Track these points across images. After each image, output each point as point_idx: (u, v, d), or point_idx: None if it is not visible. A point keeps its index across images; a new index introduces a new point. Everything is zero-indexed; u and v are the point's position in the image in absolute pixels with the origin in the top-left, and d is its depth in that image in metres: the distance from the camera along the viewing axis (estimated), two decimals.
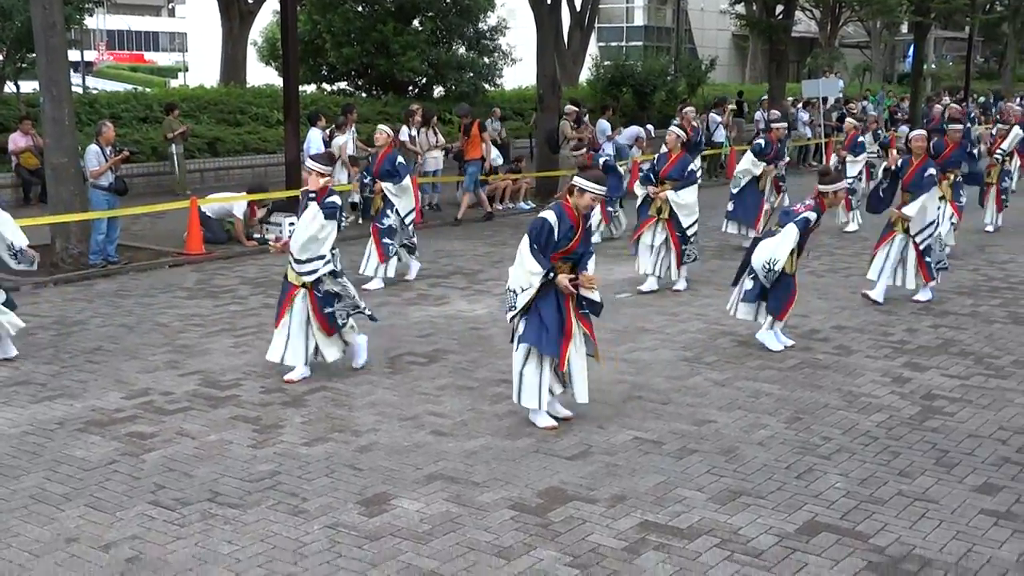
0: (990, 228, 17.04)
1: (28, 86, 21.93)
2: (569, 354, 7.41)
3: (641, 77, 30.45)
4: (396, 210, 12.60)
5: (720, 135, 24.62)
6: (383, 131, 13.01)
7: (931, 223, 11.45)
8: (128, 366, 9.16)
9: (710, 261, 14.33)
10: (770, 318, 9.68)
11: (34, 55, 15.23)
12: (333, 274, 8.65)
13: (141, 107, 22.76)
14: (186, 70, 60.91)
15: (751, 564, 5.45)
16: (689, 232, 12.16)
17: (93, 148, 13.74)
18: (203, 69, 47.81)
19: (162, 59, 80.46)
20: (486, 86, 28.96)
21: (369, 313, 9.08)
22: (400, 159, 12.83)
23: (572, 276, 7.34)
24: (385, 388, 8.51)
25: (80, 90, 27.25)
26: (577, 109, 22.19)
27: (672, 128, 12.64)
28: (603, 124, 22.49)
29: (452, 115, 27.02)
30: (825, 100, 29.76)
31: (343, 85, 28.36)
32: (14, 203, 18.67)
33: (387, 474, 6.68)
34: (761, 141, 15.72)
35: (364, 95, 27.81)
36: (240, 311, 11.25)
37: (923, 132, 12.03)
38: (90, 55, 59.07)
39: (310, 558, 5.52)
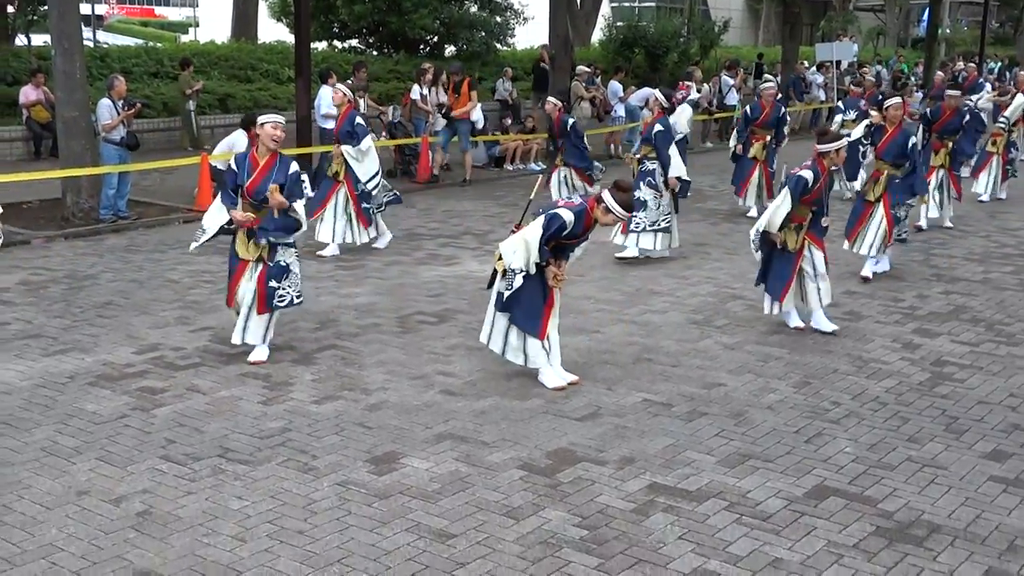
0: (984, 198, 16.41)
1: (39, 39, 21.83)
2: (549, 327, 7.58)
3: (654, 38, 30.19)
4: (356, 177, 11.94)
5: (732, 98, 24.46)
6: (339, 90, 12.40)
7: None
8: (139, 321, 9.17)
9: (720, 225, 14.30)
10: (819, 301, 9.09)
11: (46, 8, 15.16)
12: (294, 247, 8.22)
13: (152, 62, 22.65)
14: (197, 25, 60.56)
15: (759, 527, 5.47)
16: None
17: (105, 102, 13.69)
18: (214, 25, 47.51)
19: (172, 14, 80.00)
20: (498, 45, 28.74)
21: (300, 301, 8.27)
22: (359, 120, 12.06)
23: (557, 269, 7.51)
24: (395, 347, 8.52)
25: (91, 44, 27.14)
26: (589, 70, 22.06)
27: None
28: (615, 85, 22.37)
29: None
30: (839, 64, 29.53)
31: (354, 43, 28.17)
32: (25, 157, 18.68)
33: (396, 433, 6.70)
34: (748, 108, 15.45)
35: (375, 53, 27.62)
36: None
37: (900, 100, 11.65)
38: (101, 9, 58.75)
39: (319, 515, 5.54)
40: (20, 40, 22.27)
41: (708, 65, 29.56)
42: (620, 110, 22.17)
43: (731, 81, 24.56)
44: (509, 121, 21.05)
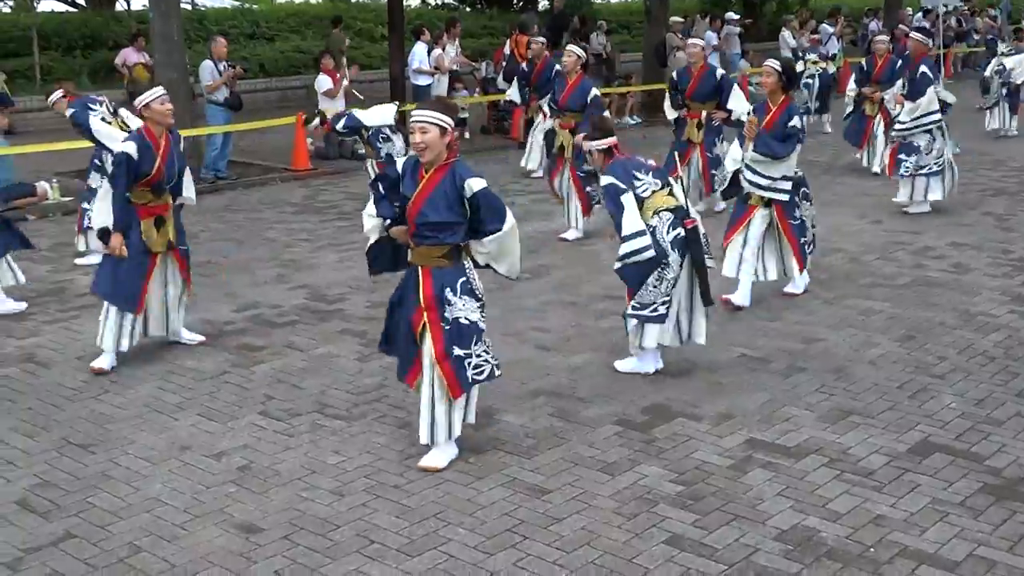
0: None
1: (138, 3, 22.20)
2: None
3: None
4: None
5: (833, 46, 23.85)
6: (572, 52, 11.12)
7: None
8: (237, 280, 9.31)
9: (819, 177, 13.98)
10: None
11: None
12: None
13: (248, 23, 22.92)
14: None
15: (861, 484, 5.35)
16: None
17: (207, 63, 13.89)
18: None
19: None
20: None
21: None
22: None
23: None
24: (489, 304, 8.46)
25: (188, 7, 27.53)
26: (683, 21, 21.68)
27: (569, 48, 11.06)
28: (710, 35, 21.96)
29: None
30: (944, 8, 28.60)
31: None
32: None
33: (491, 389, 6.68)
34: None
35: (468, 9, 27.58)
36: (345, 227, 11.31)
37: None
38: None
39: (415, 470, 5.56)
40: (120, 4, 22.66)
41: (807, 14, 28.85)
42: (714, 60, 21.77)
43: (831, 29, 23.93)
44: (604, 75, 20.82)
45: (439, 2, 28.38)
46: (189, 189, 7.62)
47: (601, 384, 6.75)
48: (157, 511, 5.18)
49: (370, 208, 5.75)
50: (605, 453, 5.75)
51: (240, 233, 11.16)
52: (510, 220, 5.52)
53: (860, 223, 11.17)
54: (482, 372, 5.60)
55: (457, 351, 5.50)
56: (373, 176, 8.16)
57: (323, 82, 15.52)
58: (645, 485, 5.38)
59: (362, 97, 16.31)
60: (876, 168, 13.67)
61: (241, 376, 7.00)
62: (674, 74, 11.75)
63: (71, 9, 23.04)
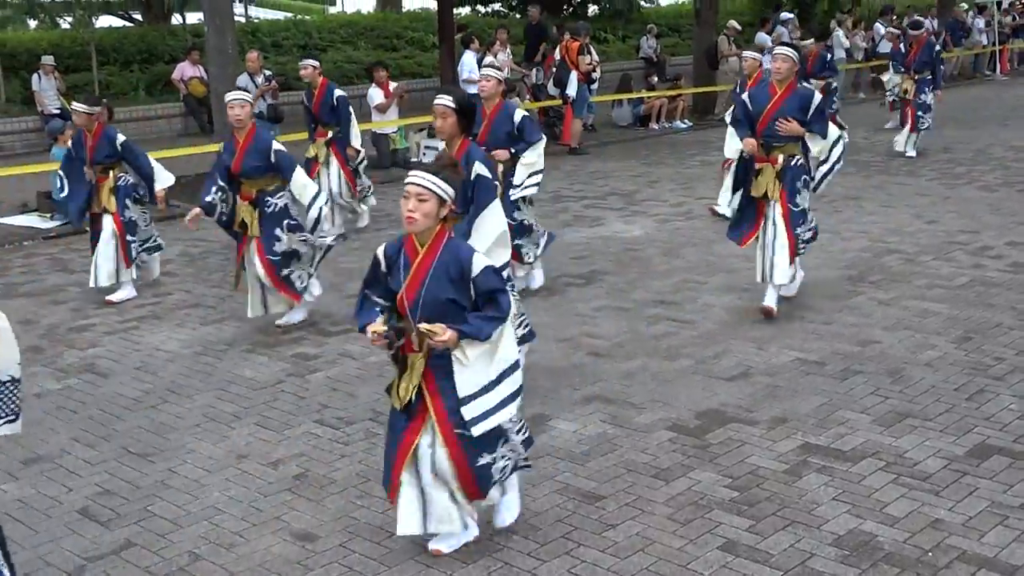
0: None
1: (194, 17, 22.51)
2: None
3: None
4: None
5: (885, 46, 23.59)
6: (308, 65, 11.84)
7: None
8: None
9: (874, 177, 13.85)
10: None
11: None
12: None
13: (301, 35, 23.13)
14: None
15: (918, 487, 5.29)
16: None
17: (241, 77, 14.08)
18: None
19: None
20: (641, 2, 28.42)
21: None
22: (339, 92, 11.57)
23: None
24: (542, 310, 8.53)
25: (243, 20, 27.88)
26: (738, 26, 21.54)
27: (486, 71, 8.47)
28: (762, 36, 21.82)
29: (606, 34, 26.72)
30: (999, 4, 28.22)
31: (497, 6, 28.23)
32: (183, 132, 19.32)
33: (544, 395, 6.71)
34: (902, 45, 15.55)
35: (518, 16, 27.63)
36: (397, 234, 11.35)
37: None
38: None
39: None
40: (176, 19, 23.00)
41: (860, 13, 28.61)
42: (767, 62, 21.63)
43: (882, 29, 23.69)
44: (655, 79, 20.77)
45: (488, 9, 28.45)
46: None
47: (654, 389, 6.73)
48: (215, 519, 5.26)
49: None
50: (658, 459, 5.74)
51: None
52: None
53: (917, 223, 11.06)
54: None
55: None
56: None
57: (375, 95, 15.55)
58: (699, 491, 5.37)
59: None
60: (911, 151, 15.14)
61: (296, 385, 7.07)
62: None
63: (128, 24, 23.40)
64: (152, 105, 19.76)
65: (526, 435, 4.97)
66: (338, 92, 11.55)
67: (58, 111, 17.84)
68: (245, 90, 13.68)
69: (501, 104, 8.32)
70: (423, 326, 4.43)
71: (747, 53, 11.94)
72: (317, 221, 8.05)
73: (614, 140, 18.65)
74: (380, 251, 4.70)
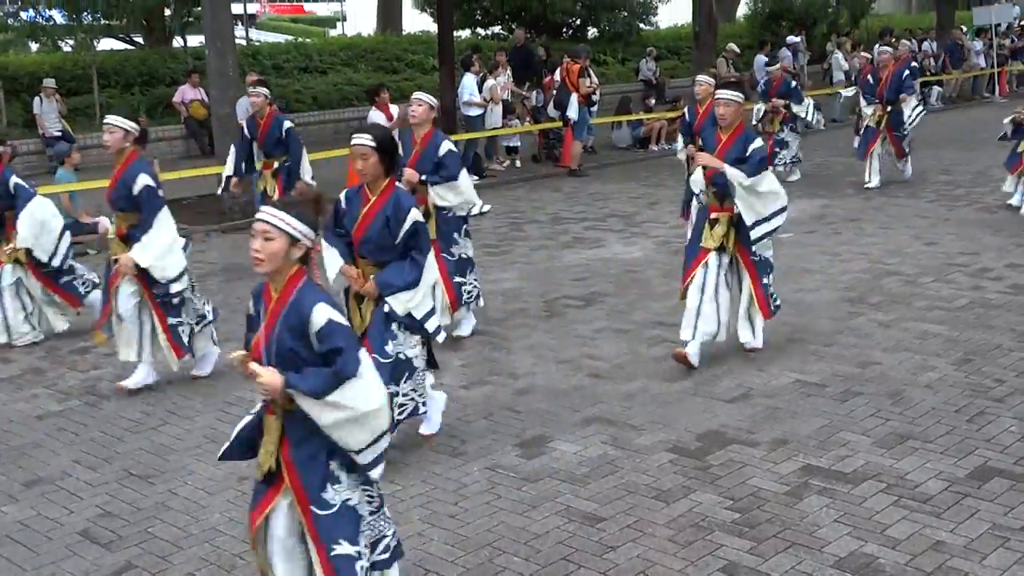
0: None
1: (195, 40, 22.58)
2: None
3: (800, 10, 29.55)
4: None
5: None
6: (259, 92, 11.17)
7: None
8: None
9: (874, 199, 13.88)
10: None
11: (200, 9, 15.69)
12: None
13: (302, 57, 23.22)
14: (344, 20, 61.76)
15: (919, 510, 5.29)
16: None
17: (242, 100, 14.11)
18: (360, 18, 48.45)
19: (320, 9, 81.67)
20: (640, 25, 28.53)
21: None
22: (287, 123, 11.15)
23: None
24: (542, 331, 8.54)
25: (243, 43, 27.99)
26: (737, 49, 21.64)
27: (417, 96, 8.06)
28: (761, 59, 21.94)
29: (606, 56, 26.82)
30: (998, 26, 28.34)
31: (497, 29, 28.34)
32: (184, 154, 19.37)
33: (545, 417, 6.71)
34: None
35: None
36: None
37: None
38: (253, 8, 60.36)
39: (470, 499, 5.60)
40: (177, 42, 23.07)
41: (859, 36, 28.75)
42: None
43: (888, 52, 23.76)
44: (653, 101, 20.84)
45: (488, 32, 28.57)
46: None
47: (655, 411, 6.74)
48: (216, 541, 5.26)
49: None
50: (659, 480, 5.74)
51: None
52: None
53: (917, 244, 11.08)
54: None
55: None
56: None
57: (375, 118, 15.51)
58: (700, 512, 5.37)
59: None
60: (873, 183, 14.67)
61: None
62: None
63: (129, 47, 23.48)
64: (153, 128, 19.79)
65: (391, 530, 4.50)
66: (287, 124, 11.13)
67: (59, 133, 17.89)
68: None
69: (432, 132, 7.95)
70: (251, 365, 3.96)
71: (700, 77, 11.24)
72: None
73: (614, 162, 18.70)
74: (253, 291, 4.21)
